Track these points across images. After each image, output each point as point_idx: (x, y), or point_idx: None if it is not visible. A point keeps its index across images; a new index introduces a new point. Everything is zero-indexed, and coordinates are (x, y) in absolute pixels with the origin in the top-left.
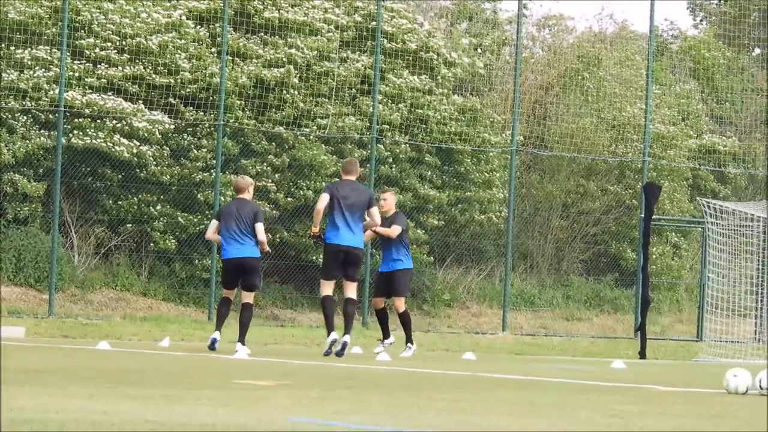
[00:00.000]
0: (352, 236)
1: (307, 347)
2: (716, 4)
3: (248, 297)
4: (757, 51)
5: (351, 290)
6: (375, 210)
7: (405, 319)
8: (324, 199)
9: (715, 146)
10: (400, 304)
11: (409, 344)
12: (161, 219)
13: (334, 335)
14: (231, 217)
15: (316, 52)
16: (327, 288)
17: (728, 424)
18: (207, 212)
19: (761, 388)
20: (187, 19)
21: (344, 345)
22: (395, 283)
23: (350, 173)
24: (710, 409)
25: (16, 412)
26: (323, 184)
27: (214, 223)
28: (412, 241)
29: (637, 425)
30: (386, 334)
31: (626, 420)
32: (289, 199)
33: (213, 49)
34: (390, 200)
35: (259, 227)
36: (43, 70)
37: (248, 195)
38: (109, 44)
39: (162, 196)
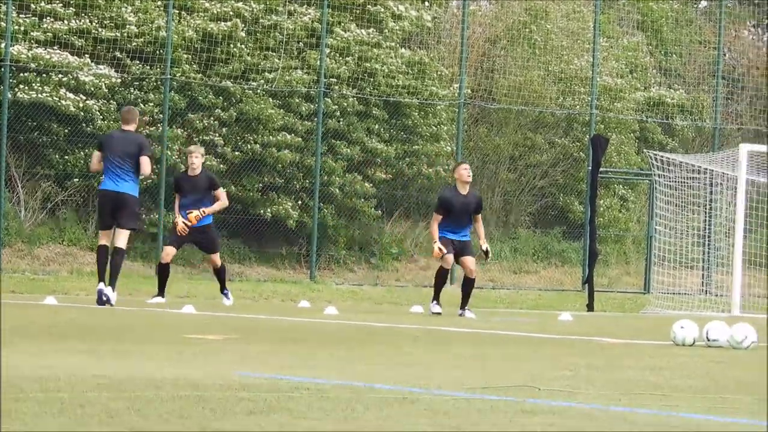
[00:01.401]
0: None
1: (255, 301)
2: None
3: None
4: (704, 3)
5: (121, 239)
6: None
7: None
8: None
9: (663, 98)
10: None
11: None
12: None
13: (101, 285)
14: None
15: (263, 5)
16: (102, 237)
17: (675, 376)
18: (155, 167)
19: (708, 340)
20: None
21: (102, 295)
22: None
23: (127, 122)
24: (658, 360)
25: None
26: (271, 138)
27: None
28: (361, 194)
29: (585, 377)
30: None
31: (575, 372)
32: (236, 153)
33: (159, 2)
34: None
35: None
36: None
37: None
38: None
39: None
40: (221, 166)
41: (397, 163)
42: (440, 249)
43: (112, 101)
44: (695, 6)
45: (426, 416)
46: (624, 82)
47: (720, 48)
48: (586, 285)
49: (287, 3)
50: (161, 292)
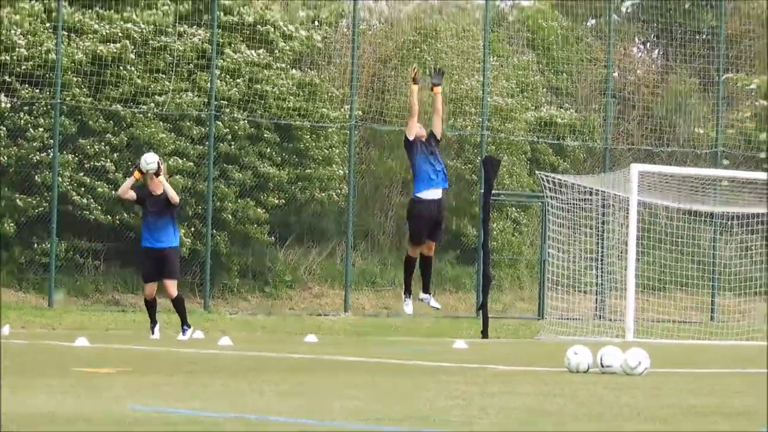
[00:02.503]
0: None
1: (149, 332)
2: None
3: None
4: (592, 21)
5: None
6: None
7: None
8: None
9: (554, 119)
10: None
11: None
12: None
13: None
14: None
15: (152, 26)
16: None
17: (570, 402)
18: (45, 194)
19: (602, 366)
20: None
21: None
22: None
23: None
24: (552, 387)
25: None
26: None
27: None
28: (253, 220)
29: (479, 405)
30: None
31: (468, 401)
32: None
33: (48, 25)
34: None
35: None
36: None
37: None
38: None
39: (0, 178)
40: (112, 192)
41: (289, 187)
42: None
43: (1, 126)
44: (584, 24)
45: None
46: (515, 102)
47: (609, 65)
48: (480, 311)
49: (177, 24)
50: (155, 322)
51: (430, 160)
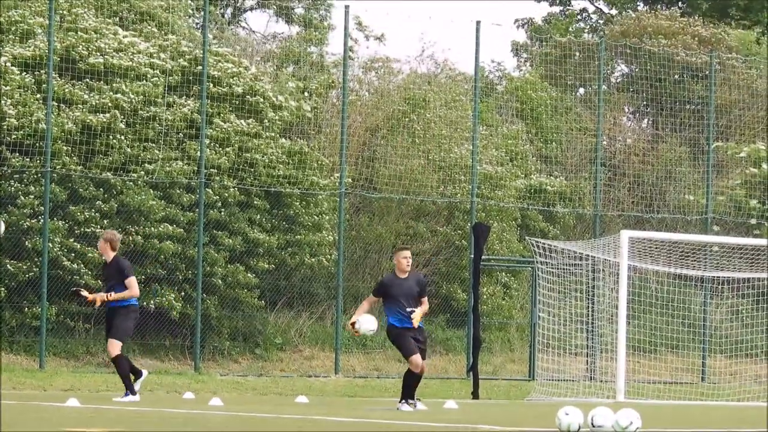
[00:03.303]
0: None
1: (140, 393)
2: (538, 46)
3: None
4: (582, 91)
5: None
6: None
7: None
8: None
9: (543, 186)
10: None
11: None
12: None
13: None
14: None
15: (142, 96)
16: None
17: None
18: (36, 259)
19: (593, 426)
20: (12, 65)
21: None
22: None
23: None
24: None
25: None
26: (153, 229)
27: None
28: (243, 285)
29: None
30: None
31: None
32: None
33: (38, 95)
34: None
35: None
36: None
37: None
38: None
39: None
40: (103, 257)
41: (279, 252)
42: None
43: None
44: (573, 93)
45: None
46: (504, 170)
47: (599, 135)
48: (471, 373)
49: (166, 94)
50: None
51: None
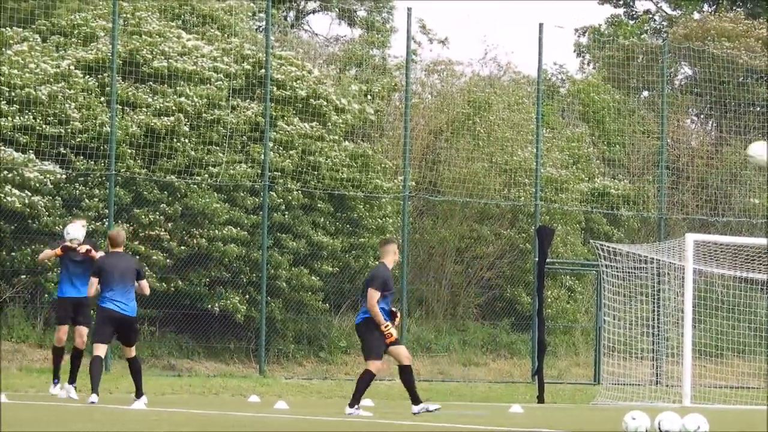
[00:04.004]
0: None
1: (205, 397)
2: (602, 48)
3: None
4: (646, 93)
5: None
6: None
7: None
8: None
9: (607, 189)
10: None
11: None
12: (55, 270)
13: (93, 396)
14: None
15: (205, 100)
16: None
17: None
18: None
19: (660, 431)
20: (76, 69)
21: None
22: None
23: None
24: None
25: None
26: (217, 232)
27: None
28: (308, 288)
29: None
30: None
31: None
32: (182, 247)
33: (102, 99)
34: None
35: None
36: None
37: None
38: None
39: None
40: (168, 260)
41: (343, 255)
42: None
43: (57, 197)
44: (637, 96)
45: None
46: (568, 173)
47: (663, 138)
48: (536, 377)
49: (230, 98)
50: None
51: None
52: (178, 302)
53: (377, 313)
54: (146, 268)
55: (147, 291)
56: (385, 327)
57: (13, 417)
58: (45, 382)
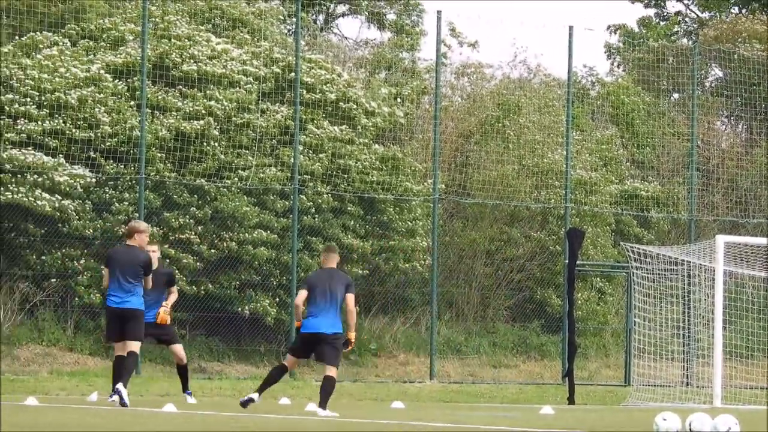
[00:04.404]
0: None
1: (235, 399)
2: (632, 50)
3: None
4: (676, 95)
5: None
6: None
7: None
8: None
9: (637, 191)
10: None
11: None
12: (85, 273)
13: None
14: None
15: (235, 103)
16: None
17: None
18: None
19: None
20: (106, 73)
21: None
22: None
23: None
24: None
25: None
26: (247, 235)
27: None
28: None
29: None
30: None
31: None
32: (212, 250)
33: (132, 103)
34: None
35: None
36: None
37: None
38: (28, 99)
39: (85, 251)
40: (198, 264)
41: (373, 258)
42: None
43: (87, 201)
44: (667, 98)
45: None
46: (598, 176)
47: (693, 140)
48: (566, 378)
49: (259, 101)
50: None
51: None
52: (208, 305)
53: None
54: (176, 271)
55: (149, 286)
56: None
57: (45, 419)
58: (76, 386)
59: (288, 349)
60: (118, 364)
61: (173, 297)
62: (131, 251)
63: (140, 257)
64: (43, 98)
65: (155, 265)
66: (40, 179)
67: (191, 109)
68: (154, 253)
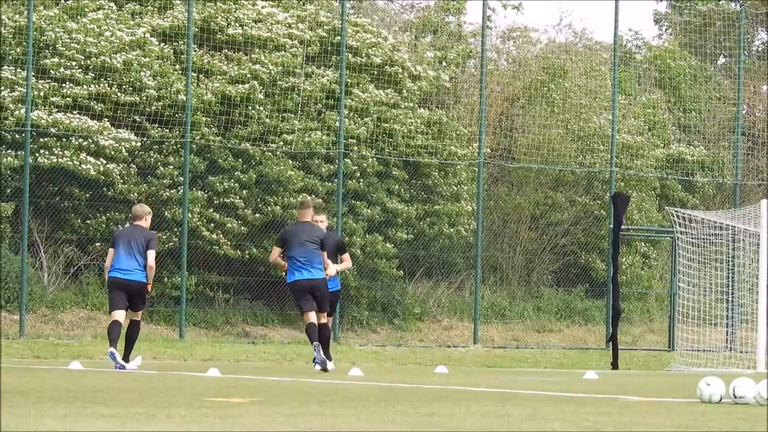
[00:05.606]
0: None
1: (279, 363)
2: (680, 14)
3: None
4: (722, 59)
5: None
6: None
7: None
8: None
9: (683, 155)
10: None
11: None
12: None
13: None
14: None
15: (280, 67)
16: None
17: None
18: (176, 229)
19: (735, 397)
20: (151, 36)
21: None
22: None
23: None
24: (685, 418)
25: None
26: (291, 199)
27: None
28: (382, 255)
29: None
30: None
31: (600, 430)
32: (257, 215)
33: (177, 66)
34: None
35: (151, 254)
36: (9, 90)
37: (145, 223)
38: (74, 63)
39: (130, 214)
40: (242, 228)
41: (417, 223)
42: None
43: (132, 165)
44: (713, 63)
45: None
46: (643, 140)
47: (739, 104)
48: (610, 343)
49: (305, 65)
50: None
51: None
52: (252, 269)
53: None
54: (221, 235)
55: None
56: None
57: (88, 383)
58: (120, 350)
59: (297, 308)
60: (116, 329)
61: (347, 264)
62: (137, 229)
63: (147, 234)
64: (88, 62)
65: (323, 232)
66: (85, 143)
67: (236, 72)
68: (322, 223)
